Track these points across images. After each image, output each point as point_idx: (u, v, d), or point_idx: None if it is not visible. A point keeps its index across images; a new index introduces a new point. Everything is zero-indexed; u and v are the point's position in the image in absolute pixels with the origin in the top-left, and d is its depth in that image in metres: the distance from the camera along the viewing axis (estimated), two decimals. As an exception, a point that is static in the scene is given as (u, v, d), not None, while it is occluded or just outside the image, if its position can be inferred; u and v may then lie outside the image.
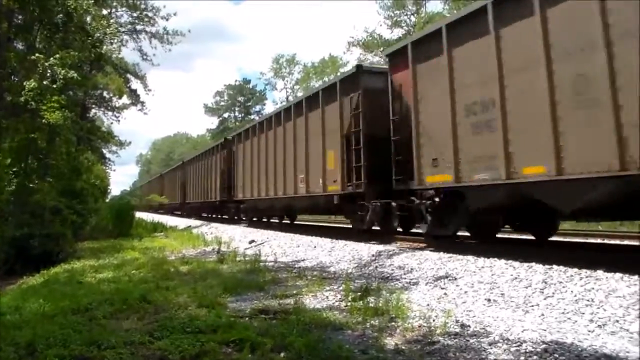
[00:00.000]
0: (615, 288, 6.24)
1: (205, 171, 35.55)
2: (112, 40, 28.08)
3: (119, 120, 49.70)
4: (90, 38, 24.02)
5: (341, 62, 67.34)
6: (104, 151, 50.19)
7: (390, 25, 50.56)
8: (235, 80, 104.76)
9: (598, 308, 5.79)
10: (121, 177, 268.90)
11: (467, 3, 33.57)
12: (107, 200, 34.33)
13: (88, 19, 24.29)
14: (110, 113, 49.00)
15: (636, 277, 6.57)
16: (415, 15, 49.70)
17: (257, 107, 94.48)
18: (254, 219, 27.14)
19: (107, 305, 7.36)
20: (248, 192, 24.87)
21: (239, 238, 19.57)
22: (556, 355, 4.62)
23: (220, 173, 31.14)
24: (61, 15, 21.29)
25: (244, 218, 28.81)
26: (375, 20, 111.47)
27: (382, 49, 43.02)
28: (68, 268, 13.23)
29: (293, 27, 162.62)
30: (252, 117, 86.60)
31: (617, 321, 5.38)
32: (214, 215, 37.19)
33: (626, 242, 12.78)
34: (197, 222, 33.53)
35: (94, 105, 45.91)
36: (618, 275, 6.77)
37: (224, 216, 33.25)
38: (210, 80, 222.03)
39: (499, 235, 13.07)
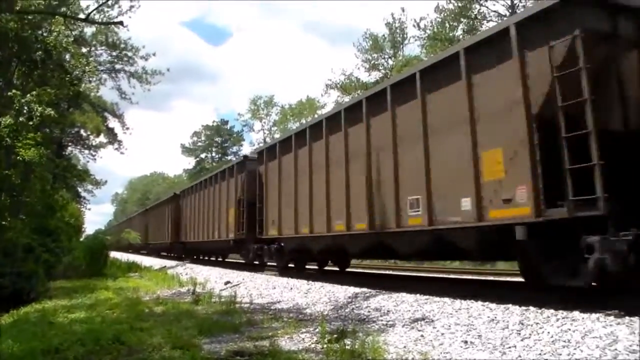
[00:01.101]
0: (592, 329, 6.24)
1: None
2: (90, 79, 28.10)
3: (95, 159, 49.62)
4: (68, 76, 24.02)
5: (319, 104, 67.82)
6: (79, 189, 49.90)
7: (368, 68, 51.14)
8: (213, 121, 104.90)
9: (575, 349, 5.79)
10: (96, 216, 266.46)
11: (444, 47, 34.15)
12: (82, 239, 33.94)
13: (67, 56, 24.31)
14: (86, 151, 48.90)
15: (612, 317, 6.59)
16: (393, 58, 50.30)
17: (235, 148, 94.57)
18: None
19: (79, 346, 7.21)
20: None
21: (215, 279, 19.42)
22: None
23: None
24: (40, 52, 21.29)
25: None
26: (353, 62, 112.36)
27: (359, 91, 43.38)
28: (39, 308, 12.98)
29: (271, 68, 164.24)
30: (229, 157, 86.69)
31: (594, 363, 5.38)
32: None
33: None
34: (172, 263, 33.31)
35: (70, 143, 45.79)
36: (594, 315, 6.79)
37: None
38: (188, 121, 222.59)
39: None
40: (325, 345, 7.00)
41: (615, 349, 5.54)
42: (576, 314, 7.05)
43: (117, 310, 11.17)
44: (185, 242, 33.84)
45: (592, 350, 5.66)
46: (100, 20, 32.14)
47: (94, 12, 26.72)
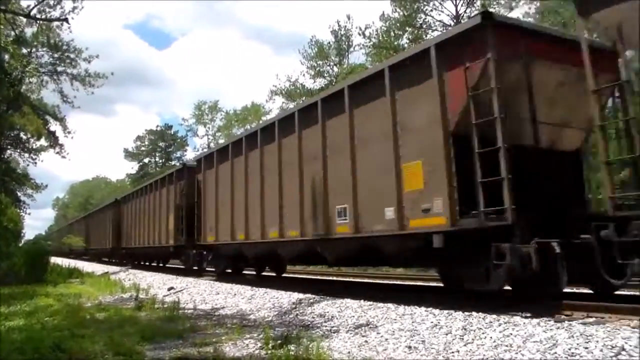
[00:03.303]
0: (533, 333, 6.37)
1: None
2: (31, 80, 27.48)
3: (35, 163, 48.56)
4: (8, 76, 23.48)
5: (264, 110, 67.61)
6: (19, 193, 48.81)
7: (313, 75, 51.11)
8: (157, 126, 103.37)
9: (516, 353, 5.89)
10: (36, 221, 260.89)
11: (389, 55, 34.44)
12: (21, 245, 33.18)
13: (6, 57, 23.76)
14: (26, 155, 47.84)
15: (552, 322, 6.74)
16: (338, 66, 50.44)
17: (179, 153, 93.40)
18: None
19: (17, 354, 7.04)
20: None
21: (158, 285, 19.24)
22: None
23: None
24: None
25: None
26: (298, 69, 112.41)
27: (304, 98, 43.37)
28: (-25, 316, 12.65)
29: (216, 74, 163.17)
30: (173, 162, 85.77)
31: (535, 366, 5.49)
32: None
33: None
34: (115, 268, 32.86)
35: (9, 146, 44.76)
36: (535, 320, 6.94)
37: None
38: (131, 125, 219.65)
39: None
40: (269, 351, 6.99)
41: (555, 352, 5.67)
42: (517, 319, 7.19)
43: (57, 317, 10.95)
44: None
45: (533, 354, 5.77)
46: (41, 23, 31.52)
47: (35, 10, 26.25)
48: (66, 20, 24.75)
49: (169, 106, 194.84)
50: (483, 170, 8.32)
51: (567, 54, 9.20)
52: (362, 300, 10.31)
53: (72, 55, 40.36)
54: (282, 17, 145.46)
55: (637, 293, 9.92)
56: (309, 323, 9.23)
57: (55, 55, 40.52)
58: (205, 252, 20.29)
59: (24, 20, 29.54)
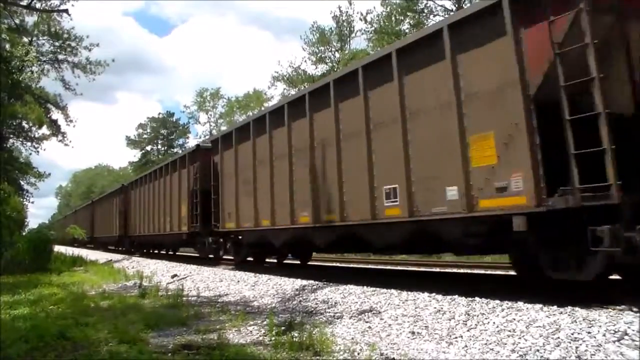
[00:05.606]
0: (536, 318, 6.37)
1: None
2: (31, 69, 27.36)
3: (38, 151, 48.48)
4: (7, 64, 23.38)
5: (266, 97, 67.45)
6: (22, 182, 48.80)
7: (314, 61, 50.93)
8: (159, 113, 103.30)
9: (519, 338, 5.90)
10: (39, 210, 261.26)
11: (391, 40, 34.29)
12: (25, 234, 33.20)
13: (7, 46, 23.65)
14: (29, 143, 47.75)
15: (555, 307, 6.73)
16: (340, 52, 50.26)
17: (181, 140, 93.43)
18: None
19: (22, 343, 7.04)
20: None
21: (162, 272, 19.26)
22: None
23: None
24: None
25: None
26: (300, 55, 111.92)
27: (306, 84, 43.23)
28: (-21, 304, 12.66)
29: (217, 60, 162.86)
30: (175, 149, 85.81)
31: (538, 350, 5.48)
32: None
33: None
34: (118, 256, 32.90)
35: (11, 135, 44.69)
36: (538, 305, 6.92)
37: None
38: (133, 113, 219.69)
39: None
40: (273, 338, 7.01)
41: (558, 337, 5.67)
42: (520, 304, 7.17)
43: (61, 305, 10.96)
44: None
45: (536, 339, 5.77)
46: (42, 9, 31.37)
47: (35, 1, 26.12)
48: (66, 11, 24.56)
49: (170, 93, 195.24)
50: (576, 141, 6.99)
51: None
52: (365, 286, 10.32)
53: (72, 44, 40.28)
54: (282, 2, 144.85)
55: None
56: (313, 309, 9.25)
57: (56, 44, 40.44)
58: (222, 240, 19.13)
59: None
